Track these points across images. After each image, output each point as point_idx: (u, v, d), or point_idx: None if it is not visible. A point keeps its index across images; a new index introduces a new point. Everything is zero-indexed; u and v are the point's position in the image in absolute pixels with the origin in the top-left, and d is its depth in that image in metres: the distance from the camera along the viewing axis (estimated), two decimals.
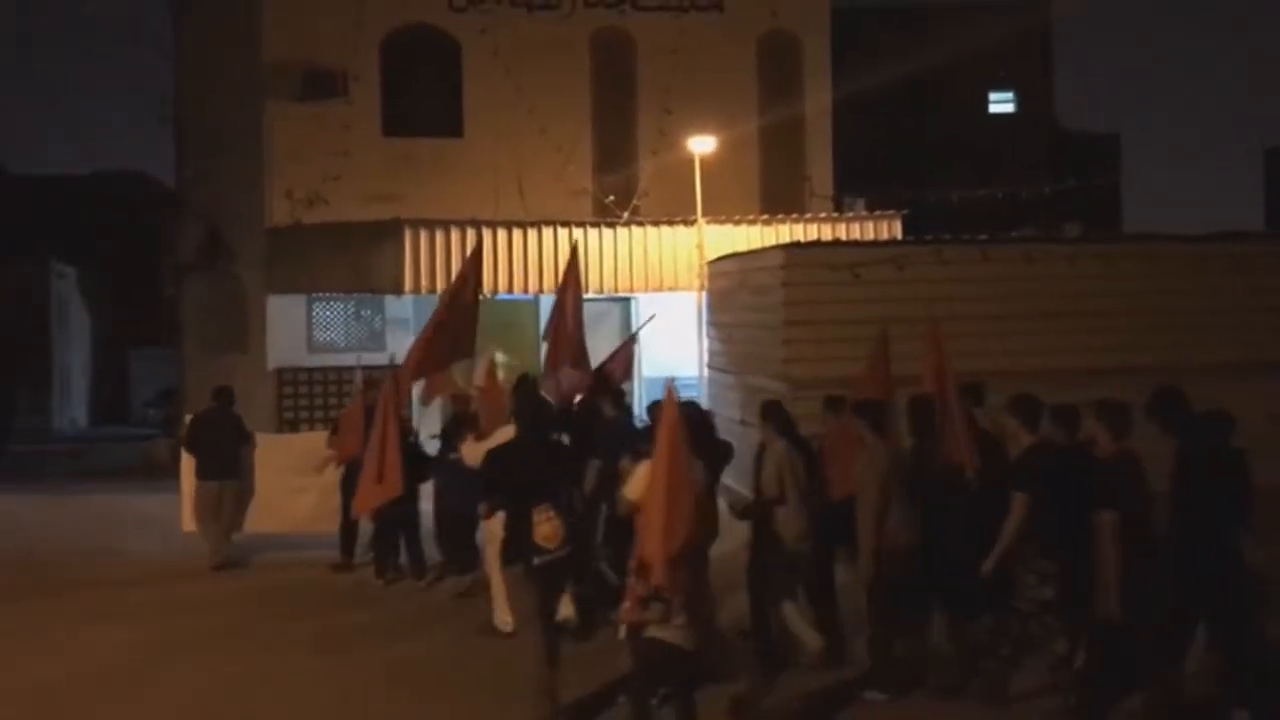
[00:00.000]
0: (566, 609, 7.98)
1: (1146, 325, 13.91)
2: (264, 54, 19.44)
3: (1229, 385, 12.83)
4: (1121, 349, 13.79)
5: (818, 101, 21.69)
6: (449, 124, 20.37)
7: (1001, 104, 41.83)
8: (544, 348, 13.43)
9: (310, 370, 19.57)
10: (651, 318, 15.88)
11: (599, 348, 21.27)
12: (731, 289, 16.65)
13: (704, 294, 18.53)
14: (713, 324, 17.79)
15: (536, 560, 7.33)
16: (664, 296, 19.84)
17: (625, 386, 12.98)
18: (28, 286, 33.52)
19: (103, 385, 38.56)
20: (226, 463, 12.76)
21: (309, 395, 19.40)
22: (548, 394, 11.98)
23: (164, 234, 24.20)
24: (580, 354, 13.00)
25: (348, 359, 18.80)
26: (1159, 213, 74.77)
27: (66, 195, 39.86)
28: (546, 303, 20.77)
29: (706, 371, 18.01)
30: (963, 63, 37.17)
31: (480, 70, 20.21)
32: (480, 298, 12.75)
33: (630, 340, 14.51)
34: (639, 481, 7.48)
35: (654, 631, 6.73)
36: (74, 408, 36.92)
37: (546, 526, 7.37)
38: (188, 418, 13.76)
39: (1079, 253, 14.41)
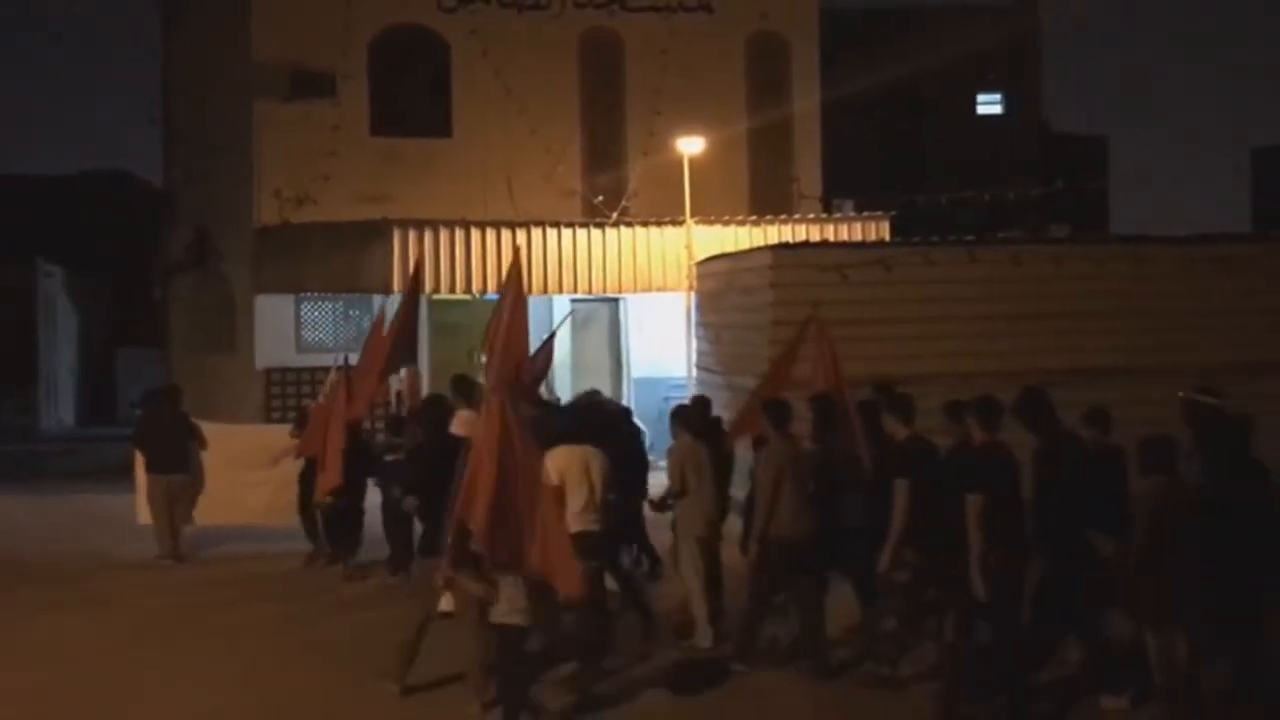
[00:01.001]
0: (448, 603, 8.28)
1: (1134, 326, 13.99)
2: (253, 54, 19.40)
3: (1217, 385, 12.91)
4: (1108, 350, 13.86)
5: (806, 103, 21.74)
6: (438, 124, 20.36)
7: (990, 106, 41.99)
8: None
9: (298, 370, 19.54)
10: (570, 314, 15.81)
11: (588, 348, 21.42)
12: (720, 290, 16.68)
13: (693, 294, 18.56)
14: (701, 324, 17.82)
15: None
16: (653, 297, 19.88)
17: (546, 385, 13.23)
18: (15, 286, 33.34)
19: (90, 385, 38.42)
20: (175, 457, 13.00)
21: (297, 395, 19.34)
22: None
23: (152, 234, 24.12)
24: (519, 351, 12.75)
25: (338, 359, 18.80)
26: (1146, 214, 75.12)
27: (54, 195, 39.73)
28: (535, 303, 20.81)
29: (695, 372, 18.03)
30: (952, 65, 37.30)
31: (469, 70, 20.21)
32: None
33: (550, 338, 14.44)
34: (551, 467, 7.91)
35: (500, 618, 7.04)
36: (61, 407, 36.77)
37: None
38: (136, 414, 13.97)
39: (1066, 254, 14.49)
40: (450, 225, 18.74)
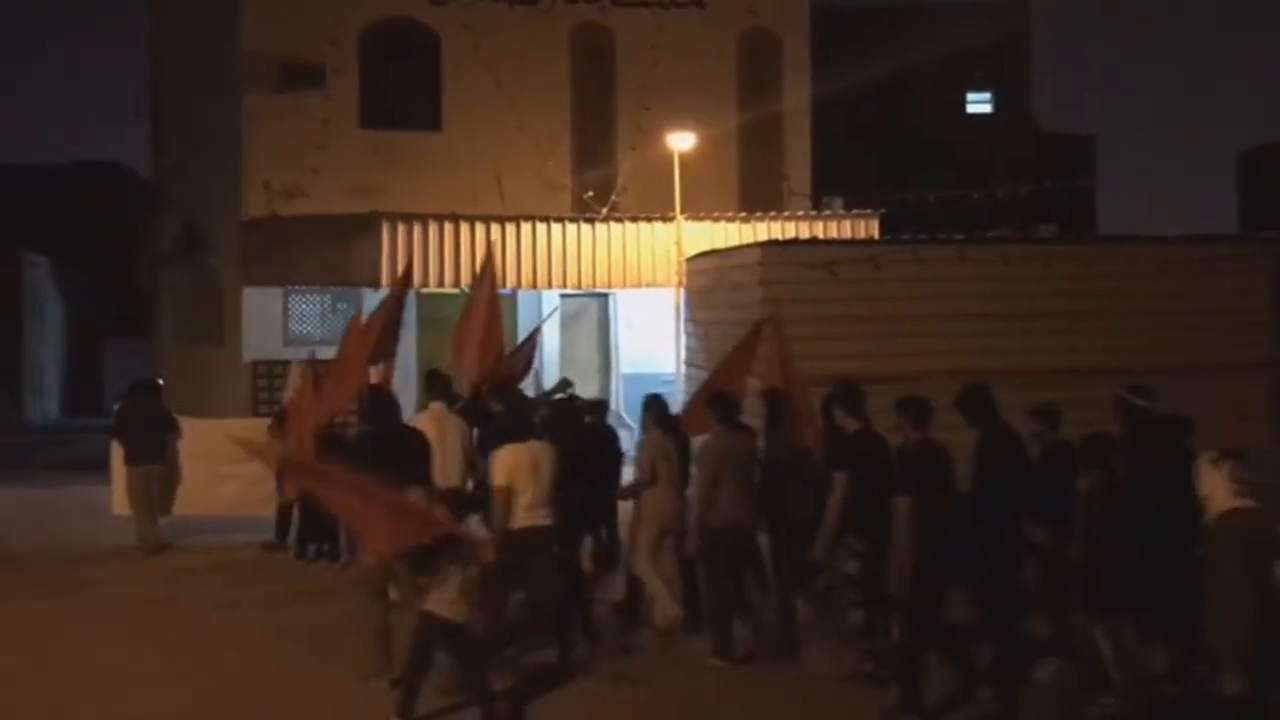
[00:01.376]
0: (394, 593, 8.40)
1: (1121, 326, 14.01)
2: (242, 45, 19.34)
3: (1203, 385, 12.99)
4: (1096, 349, 13.88)
5: (797, 99, 21.76)
6: (428, 117, 20.33)
7: (979, 104, 42.03)
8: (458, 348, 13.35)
9: (286, 363, 19.45)
10: (556, 309, 15.81)
11: (578, 343, 21.42)
12: (709, 286, 16.67)
13: (682, 291, 18.56)
14: (690, 320, 17.81)
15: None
16: (642, 293, 19.88)
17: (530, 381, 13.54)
18: (1, 277, 33.22)
19: (76, 377, 38.29)
20: (152, 449, 13.18)
21: (284, 388, 19.32)
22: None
23: (140, 225, 24.04)
24: (496, 347, 12.77)
25: (324, 352, 18.77)
26: (1134, 214, 75.33)
27: (42, 185, 39.56)
28: (524, 298, 20.81)
29: (684, 368, 18.03)
30: (941, 63, 37.34)
31: (460, 64, 20.17)
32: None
33: (533, 336, 14.52)
34: (499, 467, 8.31)
35: (429, 606, 7.38)
36: (46, 399, 36.63)
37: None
38: (116, 407, 14.24)
39: (1054, 253, 14.50)
40: (440, 219, 18.71)
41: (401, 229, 18.52)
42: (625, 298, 20.71)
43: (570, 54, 20.93)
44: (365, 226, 18.52)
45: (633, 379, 20.13)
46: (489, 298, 12.58)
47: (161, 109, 20.72)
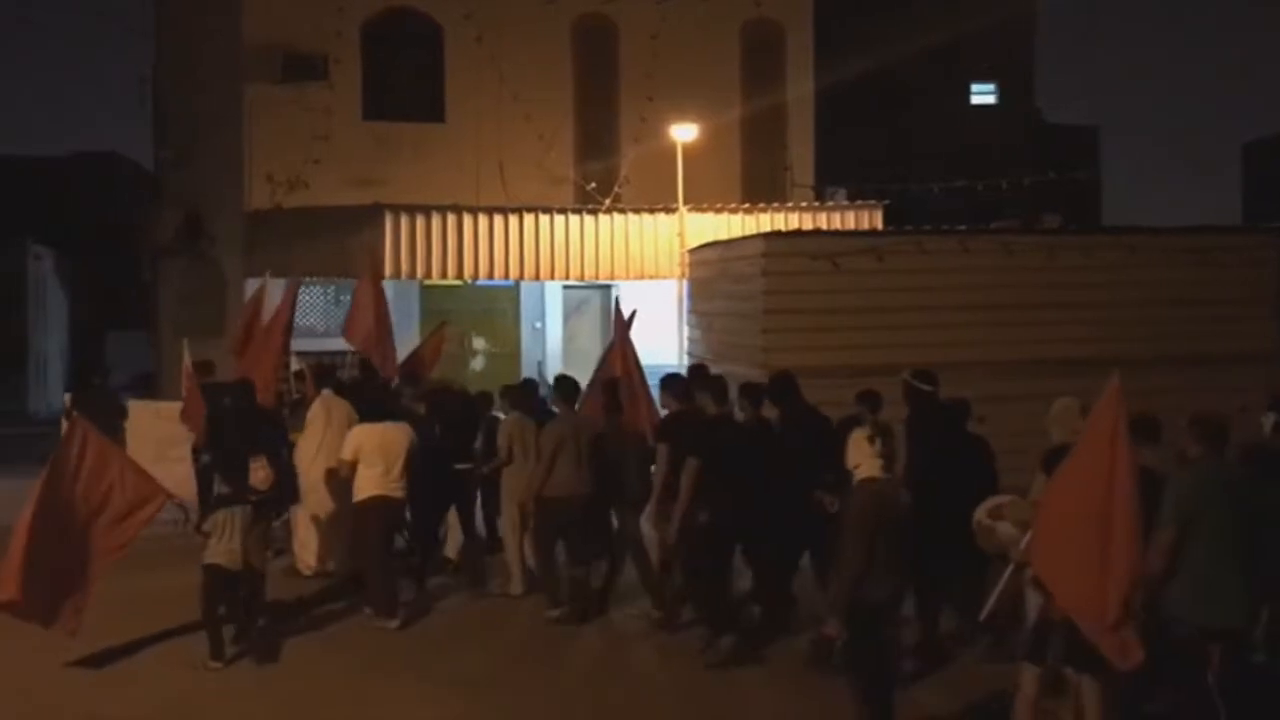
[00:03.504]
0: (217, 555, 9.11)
1: (1124, 317, 13.99)
2: (244, 36, 19.31)
3: (1204, 376, 12.98)
4: (1099, 340, 13.85)
5: (800, 90, 21.72)
6: (430, 109, 20.31)
7: (983, 96, 41.94)
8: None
9: (291, 355, 19.47)
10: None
11: (579, 335, 21.40)
12: (712, 277, 16.65)
13: (685, 282, 18.54)
14: (693, 312, 17.80)
15: (253, 498, 8.96)
16: (645, 284, 19.86)
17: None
18: (4, 269, 33.25)
19: (79, 368, 38.32)
20: (105, 433, 13.39)
21: (287, 380, 19.31)
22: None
23: (142, 217, 24.03)
24: (381, 338, 13.51)
25: (328, 344, 18.80)
26: (1138, 205, 75.20)
27: (44, 177, 39.58)
28: (527, 289, 20.81)
29: (686, 359, 18.02)
30: (945, 54, 37.26)
31: (462, 55, 20.14)
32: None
33: (438, 329, 14.76)
34: (348, 444, 9.70)
35: (211, 559, 8.70)
36: (50, 391, 36.67)
37: (260, 473, 9.08)
38: (67, 397, 14.86)
39: (1058, 244, 14.46)
40: (442, 210, 18.69)
41: (405, 220, 18.51)
42: (628, 289, 20.69)
43: (573, 45, 20.90)
44: (368, 218, 18.50)
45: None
46: (377, 291, 13.62)
47: (163, 100, 20.69)
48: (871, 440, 6.58)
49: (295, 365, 13.97)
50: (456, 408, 11.36)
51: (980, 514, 7.11)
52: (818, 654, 8.04)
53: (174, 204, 20.32)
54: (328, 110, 19.36)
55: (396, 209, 18.54)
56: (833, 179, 23.79)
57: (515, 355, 20.24)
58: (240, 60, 19.34)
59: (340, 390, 11.31)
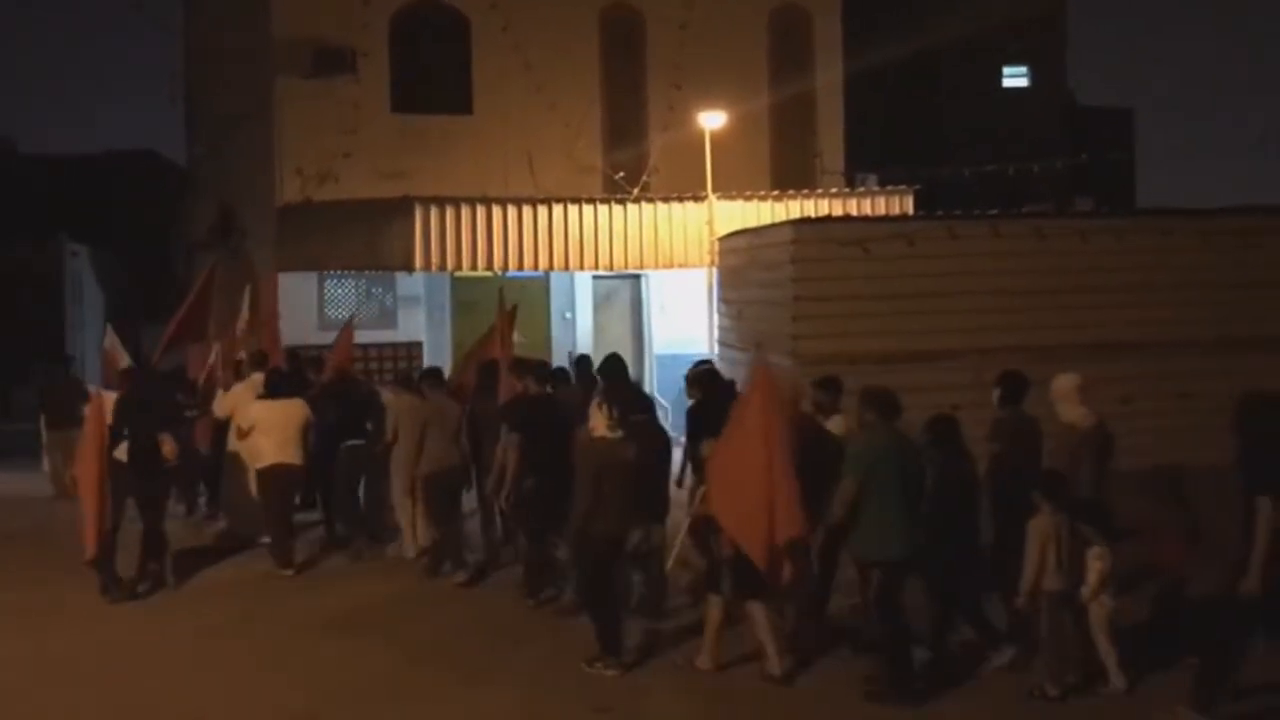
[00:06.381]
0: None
1: (1158, 300, 13.86)
2: (273, 30, 19.37)
3: (1238, 359, 12.84)
4: (1133, 324, 13.74)
5: (829, 76, 21.59)
6: (458, 101, 20.32)
7: (1015, 79, 41.54)
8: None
9: (321, 348, 19.56)
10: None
11: (608, 325, 21.38)
12: (741, 266, 16.61)
13: (714, 271, 18.50)
14: (723, 300, 17.76)
15: (166, 467, 10.74)
16: (674, 273, 19.83)
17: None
18: (41, 266, 33.57)
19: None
20: (68, 415, 14.39)
21: (319, 372, 19.43)
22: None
23: (175, 212, 24.22)
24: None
25: (362, 336, 18.94)
26: (1175, 186, 74.18)
27: (78, 174, 39.88)
28: (557, 280, 20.81)
29: (717, 348, 17.99)
30: (976, 37, 36.93)
31: (490, 46, 20.13)
32: None
33: (348, 324, 15.77)
34: (250, 416, 11.17)
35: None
36: (87, 384, 37.04)
37: (166, 447, 10.67)
38: (38, 389, 15.81)
39: (1090, 228, 14.34)
40: (471, 202, 18.71)
41: (434, 212, 18.54)
42: (657, 278, 20.68)
43: (600, 34, 20.86)
44: (398, 210, 18.54)
45: (666, 360, 20.08)
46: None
47: (195, 96, 20.82)
48: (601, 407, 8.16)
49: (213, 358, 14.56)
50: (359, 392, 12.57)
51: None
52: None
53: (207, 199, 20.45)
54: (356, 104, 19.38)
55: (426, 201, 18.57)
56: (863, 165, 23.64)
57: (545, 345, 20.23)
58: (269, 54, 19.41)
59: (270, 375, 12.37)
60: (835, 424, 8.85)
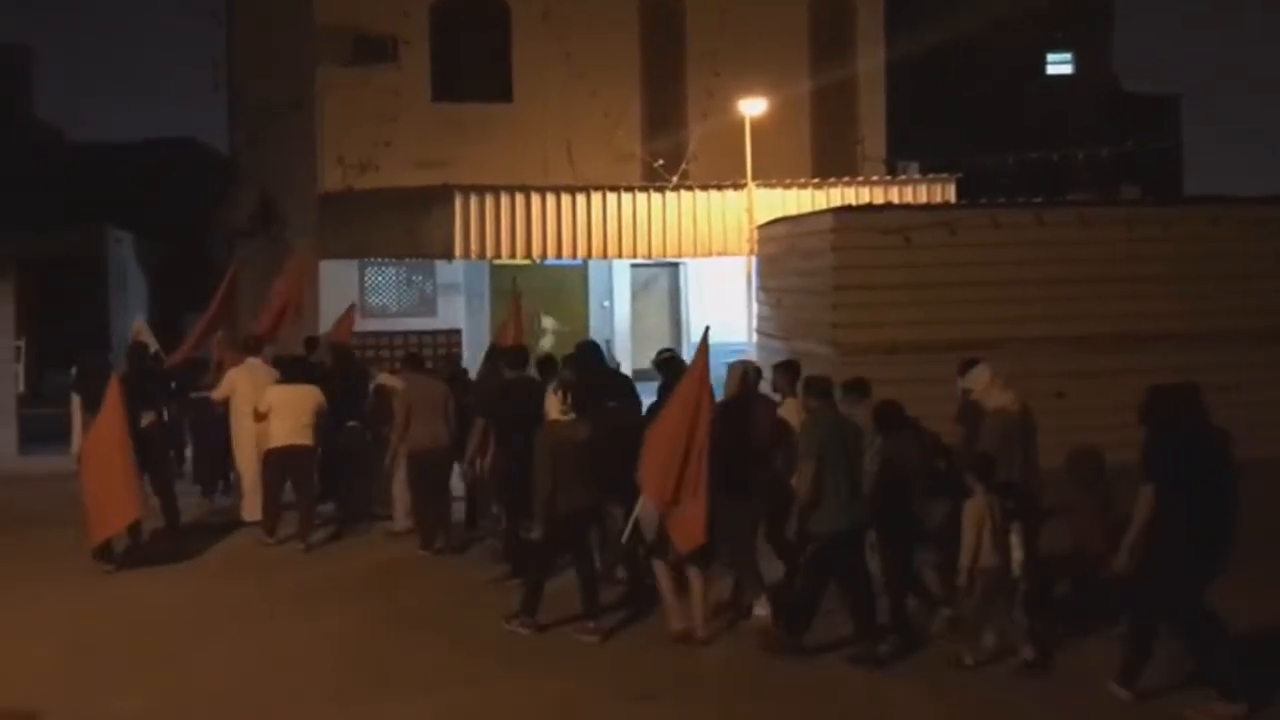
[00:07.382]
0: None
1: (1204, 290, 13.66)
2: (315, 19, 19.45)
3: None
4: (1177, 314, 13.55)
5: (870, 63, 21.41)
6: (498, 89, 20.32)
7: (1059, 65, 41.06)
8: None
9: (362, 335, 19.66)
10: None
11: (646, 314, 21.37)
12: (781, 254, 16.53)
13: (753, 259, 18.42)
14: (762, 289, 17.69)
15: (148, 437, 11.35)
16: (713, 261, 19.77)
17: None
18: (85, 254, 33.94)
19: (159, 348, 39.04)
20: (99, 397, 14.50)
21: (361, 359, 19.53)
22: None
23: (218, 200, 24.38)
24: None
25: (402, 324, 19.02)
26: (1224, 174, 72.95)
27: (122, 162, 40.26)
28: (595, 268, 20.81)
29: (755, 337, 17.93)
30: (1020, 23, 36.54)
31: (529, 35, 20.12)
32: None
33: (350, 309, 16.01)
34: (266, 399, 11.37)
35: None
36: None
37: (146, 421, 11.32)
38: (73, 370, 16.27)
39: (1135, 216, 14.15)
40: (511, 191, 18.73)
41: (474, 200, 18.58)
42: (696, 267, 20.61)
43: (640, 21, 20.78)
44: (438, 198, 18.60)
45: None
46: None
47: (237, 84, 20.93)
48: (556, 392, 8.72)
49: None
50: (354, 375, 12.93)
51: None
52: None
53: (248, 187, 20.58)
54: (397, 92, 19.45)
55: (466, 190, 18.61)
56: (905, 153, 23.44)
57: (584, 333, 20.23)
58: (311, 43, 19.49)
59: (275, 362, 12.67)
60: (788, 408, 9.15)
